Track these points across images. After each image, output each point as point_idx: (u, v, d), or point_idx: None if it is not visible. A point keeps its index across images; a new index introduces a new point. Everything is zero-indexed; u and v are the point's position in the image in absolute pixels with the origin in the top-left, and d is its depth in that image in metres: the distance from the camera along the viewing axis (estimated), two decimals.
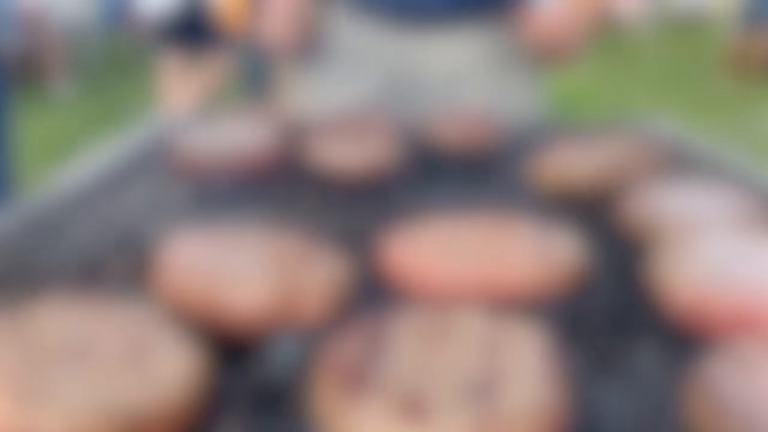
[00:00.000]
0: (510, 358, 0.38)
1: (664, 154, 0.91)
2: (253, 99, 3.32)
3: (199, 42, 3.31)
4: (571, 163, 0.75)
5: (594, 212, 0.69)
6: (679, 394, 0.41)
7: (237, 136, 0.87)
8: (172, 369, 0.38)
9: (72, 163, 0.88)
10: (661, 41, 6.05)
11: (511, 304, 0.51)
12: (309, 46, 1.17)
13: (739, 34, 4.77)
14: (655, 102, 3.79)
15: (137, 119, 1.03)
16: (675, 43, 5.99)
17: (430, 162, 0.86)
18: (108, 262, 0.58)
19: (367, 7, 1.14)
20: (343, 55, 1.16)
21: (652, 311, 0.52)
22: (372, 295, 0.52)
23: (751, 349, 0.40)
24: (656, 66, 5.25)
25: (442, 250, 0.53)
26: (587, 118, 1.07)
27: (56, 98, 4.51)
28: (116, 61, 5.40)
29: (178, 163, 0.82)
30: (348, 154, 0.82)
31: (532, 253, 0.53)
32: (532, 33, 1.10)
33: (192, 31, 3.28)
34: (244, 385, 0.42)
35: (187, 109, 3.05)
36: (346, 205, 0.73)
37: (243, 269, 0.49)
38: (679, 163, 0.86)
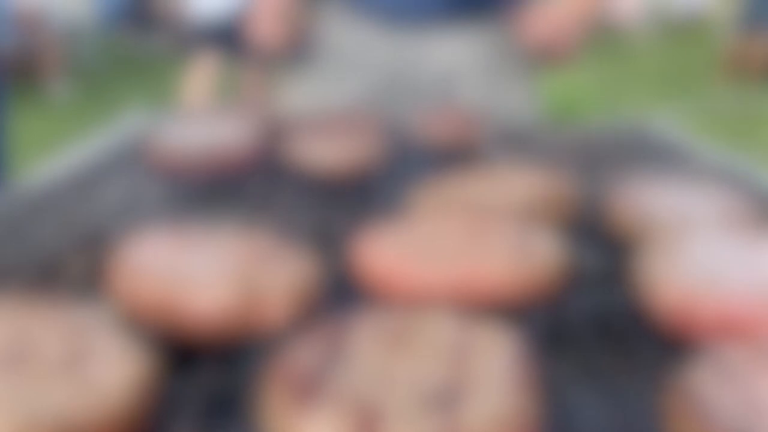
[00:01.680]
0: (477, 365, 0.36)
1: (661, 154, 0.88)
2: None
3: (240, 47, 3.31)
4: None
5: (581, 213, 0.66)
6: (661, 400, 0.39)
7: (214, 133, 0.84)
8: (112, 374, 0.35)
9: (45, 161, 0.85)
10: (659, 44, 6.03)
11: (489, 308, 0.48)
12: (299, 45, 1.15)
13: (737, 38, 4.74)
14: (652, 105, 3.76)
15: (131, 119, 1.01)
16: (673, 47, 5.97)
17: (412, 159, 0.83)
18: (67, 261, 0.56)
19: (362, 7, 1.12)
20: (336, 55, 1.14)
21: (637, 316, 0.49)
22: (342, 297, 0.50)
23: (734, 355, 0.38)
24: (654, 69, 5.23)
25: (416, 251, 0.51)
26: (585, 120, 1.05)
27: (53, 99, 4.48)
28: (113, 62, 5.37)
29: (155, 161, 0.80)
30: (328, 151, 0.79)
31: (511, 255, 0.50)
32: (529, 33, 1.08)
33: (236, 37, 3.28)
34: (198, 391, 0.40)
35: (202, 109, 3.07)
36: (324, 203, 0.71)
37: (204, 272, 0.47)
38: (675, 163, 0.84)
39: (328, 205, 0.70)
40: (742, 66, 4.65)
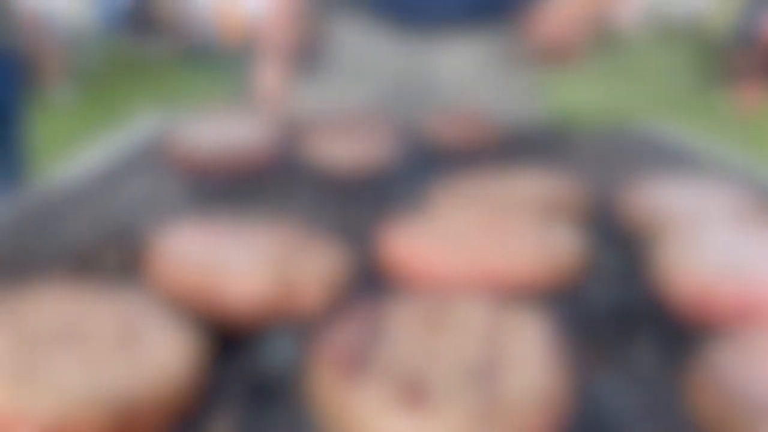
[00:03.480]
0: (511, 345, 0.38)
1: (667, 154, 0.90)
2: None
3: None
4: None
5: (596, 209, 0.68)
6: (683, 382, 0.41)
7: (233, 132, 0.86)
8: (165, 355, 0.37)
9: (70, 159, 0.87)
10: (658, 49, 6.06)
11: (512, 296, 0.50)
12: (312, 49, 1.16)
13: (735, 42, 4.78)
14: (651, 109, 3.79)
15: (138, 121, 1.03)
16: (671, 51, 6.00)
17: (426, 158, 0.85)
18: (101, 253, 0.58)
19: (374, 13, 1.13)
20: (348, 60, 1.15)
21: (655, 304, 0.51)
22: (370, 286, 0.52)
23: (755, 338, 0.40)
24: (653, 74, 5.26)
25: (443, 241, 0.52)
26: (585, 124, 1.07)
27: (55, 103, 4.50)
28: (115, 66, 5.39)
29: (175, 159, 0.82)
30: (344, 150, 0.81)
31: (534, 245, 0.52)
32: (536, 33, 1.09)
33: None
34: (239, 375, 0.41)
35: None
36: (341, 201, 0.73)
37: (240, 259, 0.48)
38: (681, 163, 0.86)
39: (346, 203, 0.72)
40: (740, 70, 4.68)
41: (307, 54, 1.17)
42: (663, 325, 0.49)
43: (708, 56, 5.28)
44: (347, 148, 0.81)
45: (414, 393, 0.33)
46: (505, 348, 0.37)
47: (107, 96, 4.71)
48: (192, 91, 4.62)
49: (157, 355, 0.37)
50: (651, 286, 0.53)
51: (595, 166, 0.84)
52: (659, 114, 1.12)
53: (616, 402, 0.41)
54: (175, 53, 5.50)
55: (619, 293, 0.53)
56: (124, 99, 4.57)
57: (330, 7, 1.16)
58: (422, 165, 0.82)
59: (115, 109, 4.31)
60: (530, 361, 0.36)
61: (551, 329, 0.41)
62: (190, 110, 1.05)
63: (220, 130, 0.86)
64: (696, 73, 5.11)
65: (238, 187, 0.77)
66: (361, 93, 1.14)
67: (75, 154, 0.89)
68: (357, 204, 0.71)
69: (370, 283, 0.52)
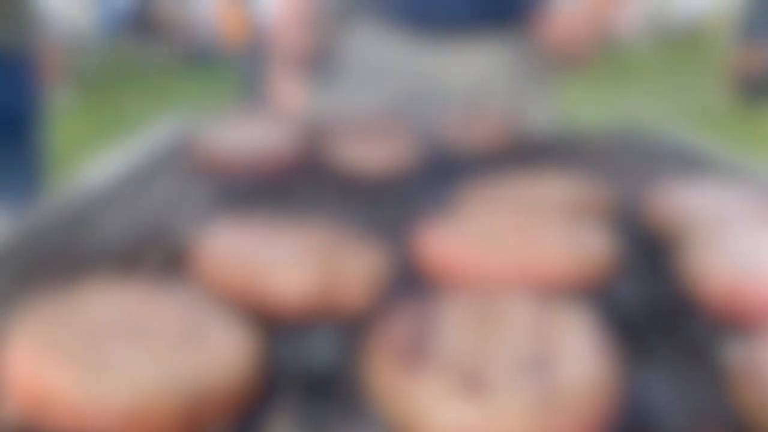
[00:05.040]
0: (559, 338, 0.39)
1: (679, 159, 0.92)
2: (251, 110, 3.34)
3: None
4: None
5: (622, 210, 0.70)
6: (723, 376, 0.42)
7: (257, 135, 0.87)
8: (229, 348, 0.38)
9: (92, 162, 0.88)
10: (659, 55, 6.09)
11: (547, 293, 0.52)
12: (325, 53, 1.17)
13: (736, 48, 4.80)
14: (653, 115, 3.81)
15: (139, 128, 1.04)
16: (672, 57, 6.03)
17: (448, 162, 0.87)
18: (143, 252, 0.59)
19: (387, 19, 1.14)
20: (361, 65, 1.16)
21: (684, 302, 0.52)
22: (408, 285, 0.53)
23: None
24: (654, 80, 5.28)
25: (478, 240, 0.54)
26: (586, 129, 1.08)
27: (56, 107, 4.51)
28: (116, 71, 5.40)
29: (201, 162, 0.83)
30: (368, 153, 0.83)
31: (567, 243, 0.54)
32: (547, 37, 1.11)
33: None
34: (291, 369, 0.43)
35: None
36: (368, 203, 0.74)
37: (285, 256, 0.50)
38: (693, 167, 0.87)
39: (373, 206, 0.73)
40: (741, 76, 4.70)
41: (321, 58, 1.18)
42: (692, 322, 0.50)
43: (710, 62, 5.31)
44: (371, 151, 0.82)
45: (473, 383, 0.35)
46: (555, 341, 0.39)
47: (108, 99, 4.72)
48: (193, 95, 4.64)
49: (222, 348, 0.38)
50: (680, 285, 0.54)
51: (613, 170, 0.86)
52: (660, 121, 1.14)
53: (652, 396, 0.42)
54: (176, 57, 5.51)
55: (649, 292, 0.55)
56: (125, 102, 4.58)
57: (345, 13, 1.17)
58: (445, 168, 0.83)
59: (115, 112, 4.32)
60: (580, 354, 0.38)
61: (594, 324, 0.42)
62: (203, 114, 1.07)
63: (245, 132, 0.88)
64: (698, 79, 5.14)
65: (265, 189, 0.78)
66: (374, 98, 1.15)
67: (92, 157, 0.90)
68: (384, 206, 0.72)
69: (407, 281, 0.54)
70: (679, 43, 6.46)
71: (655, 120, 1.15)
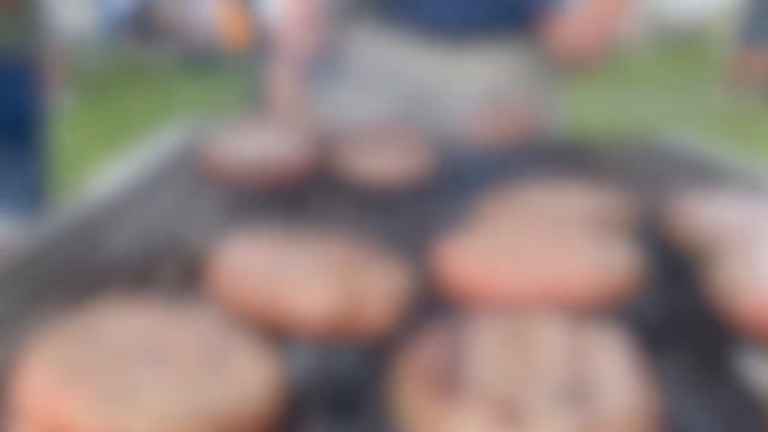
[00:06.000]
0: (596, 362, 0.38)
1: (692, 167, 0.91)
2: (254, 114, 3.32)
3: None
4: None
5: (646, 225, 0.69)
6: (756, 391, 0.41)
7: (267, 143, 0.86)
8: (252, 373, 0.37)
9: (99, 169, 0.87)
10: (659, 57, 6.08)
11: (575, 311, 0.50)
12: (330, 57, 1.16)
13: (735, 51, 4.79)
14: (653, 118, 3.80)
15: (141, 131, 1.03)
16: (672, 59, 6.02)
17: (463, 169, 0.85)
18: (156, 266, 0.57)
19: (395, 24, 1.13)
20: (367, 70, 1.15)
21: (710, 317, 0.51)
22: (430, 302, 0.52)
23: None
24: (654, 82, 5.27)
25: (501, 256, 0.52)
26: (590, 135, 1.07)
27: (59, 110, 4.49)
28: (117, 73, 5.39)
29: (210, 171, 0.81)
30: (382, 161, 0.81)
31: (592, 260, 0.52)
32: (560, 41, 1.10)
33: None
34: (315, 389, 0.41)
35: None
36: (383, 213, 0.72)
37: (306, 273, 0.48)
38: (708, 176, 0.86)
39: (388, 215, 0.71)
40: (740, 80, 4.69)
41: (327, 61, 1.17)
42: (720, 338, 0.49)
43: (709, 66, 5.31)
44: (386, 159, 0.81)
45: (510, 411, 0.33)
46: (591, 366, 0.37)
47: (110, 101, 4.70)
48: (194, 97, 4.62)
49: (245, 373, 0.37)
50: (707, 300, 0.53)
51: (630, 179, 0.84)
52: (660, 125, 1.13)
53: (688, 421, 0.41)
54: (176, 59, 5.50)
55: (676, 307, 0.53)
56: (127, 104, 4.57)
57: (351, 17, 1.16)
58: (461, 175, 0.82)
59: (117, 114, 4.31)
60: (618, 378, 0.36)
61: (629, 345, 0.41)
62: (210, 119, 1.05)
63: (255, 140, 0.86)
64: (697, 83, 5.13)
65: (277, 198, 0.77)
66: (382, 103, 1.14)
67: (95, 159, 0.89)
68: (400, 216, 0.71)
69: (427, 297, 0.52)
70: (679, 46, 6.45)
71: (662, 125, 1.14)
